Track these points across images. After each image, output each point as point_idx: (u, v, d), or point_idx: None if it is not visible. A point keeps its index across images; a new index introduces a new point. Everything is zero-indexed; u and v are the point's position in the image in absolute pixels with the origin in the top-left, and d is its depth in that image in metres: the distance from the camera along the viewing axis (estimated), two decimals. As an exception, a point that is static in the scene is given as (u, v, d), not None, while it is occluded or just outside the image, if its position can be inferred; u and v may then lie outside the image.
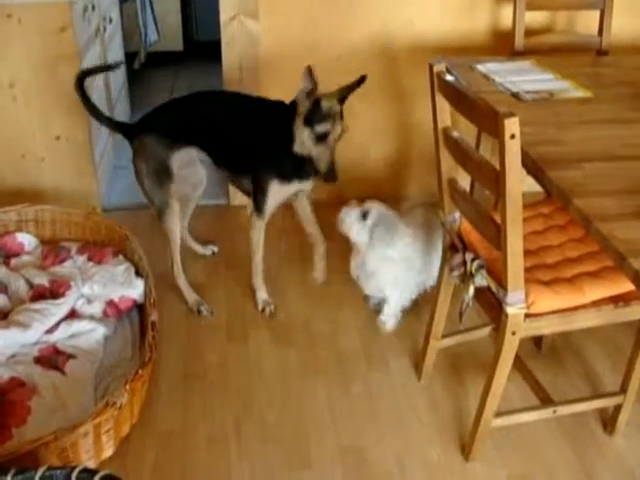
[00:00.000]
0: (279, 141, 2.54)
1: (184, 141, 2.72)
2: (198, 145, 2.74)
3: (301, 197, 2.79)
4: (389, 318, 2.76)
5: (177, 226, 2.79)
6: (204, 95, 2.82)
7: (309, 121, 2.44)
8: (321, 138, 2.44)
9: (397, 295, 2.72)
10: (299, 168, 2.57)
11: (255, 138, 2.63)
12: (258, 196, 2.64)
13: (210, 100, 2.79)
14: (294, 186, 2.64)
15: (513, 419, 2.20)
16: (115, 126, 2.93)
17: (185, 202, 2.98)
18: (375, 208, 2.61)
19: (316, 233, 2.87)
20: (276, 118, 2.57)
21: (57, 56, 3.08)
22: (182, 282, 2.89)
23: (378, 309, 2.82)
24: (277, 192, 2.62)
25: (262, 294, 2.86)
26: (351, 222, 2.60)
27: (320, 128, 2.43)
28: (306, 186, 2.68)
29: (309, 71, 2.41)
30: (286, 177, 2.60)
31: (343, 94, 2.49)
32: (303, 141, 2.47)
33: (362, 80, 2.48)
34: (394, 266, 2.67)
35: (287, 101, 2.58)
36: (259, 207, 2.66)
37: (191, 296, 2.88)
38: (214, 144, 2.74)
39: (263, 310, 2.83)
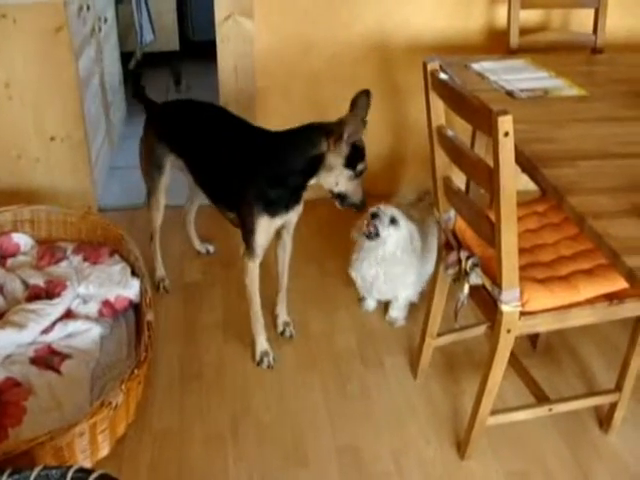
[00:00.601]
0: (266, 171, 2.37)
1: (175, 150, 2.70)
2: (184, 160, 2.69)
3: (288, 229, 2.60)
4: (400, 314, 2.79)
5: (157, 218, 2.86)
6: (202, 110, 2.70)
7: (351, 164, 2.30)
8: (358, 175, 2.34)
9: (410, 293, 2.75)
10: (285, 197, 2.41)
11: (239, 168, 2.43)
12: (246, 233, 2.45)
13: (204, 118, 2.66)
14: (283, 217, 2.45)
15: (509, 417, 2.20)
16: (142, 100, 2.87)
17: (191, 196, 3.00)
18: (400, 214, 2.60)
19: (285, 275, 2.74)
20: (262, 145, 2.42)
21: (52, 56, 3.08)
22: (157, 258, 2.97)
23: (371, 310, 2.85)
24: (266, 226, 2.42)
25: (262, 344, 2.62)
26: (388, 233, 2.57)
27: (361, 167, 2.32)
28: (295, 214, 2.50)
29: (354, 116, 2.27)
30: (274, 209, 2.40)
31: (364, 119, 2.31)
32: (338, 182, 2.33)
33: (369, 94, 2.31)
34: (416, 267, 2.69)
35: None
36: (249, 246, 2.46)
37: (160, 272, 2.98)
38: (197, 165, 2.67)
39: (260, 362, 2.59)
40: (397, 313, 2.79)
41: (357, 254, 2.73)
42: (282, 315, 2.77)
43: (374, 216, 2.57)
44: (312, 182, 2.37)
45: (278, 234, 2.58)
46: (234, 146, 2.48)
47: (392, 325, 2.80)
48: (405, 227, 2.61)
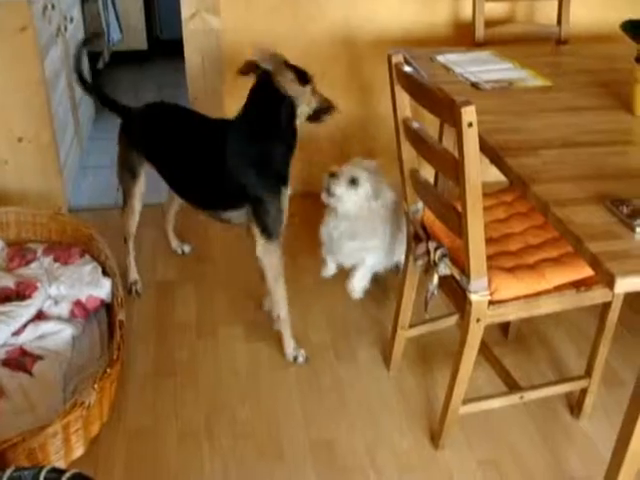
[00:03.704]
0: (263, 144, 2.39)
1: (150, 160, 2.68)
2: (160, 171, 2.67)
3: None
4: (359, 284, 2.80)
5: (132, 223, 2.86)
6: (171, 115, 2.67)
7: (305, 79, 2.39)
8: (313, 90, 2.43)
9: (375, 260, 2.77)
10: (289, 156, 2.43)
11: (232, 161, 2.40)
12: (267, 219, 2.40)
13: (175, 125, 2.63)
14: (289, 188, 2.47)
15: (481, 406, 2.22)
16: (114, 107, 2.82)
17: (172, 195, 2.98)
18: (363, 173, 2.62)
19: None
20: (245, 127, 2.42)
21: (17, 56, 3.05)
22: (131, 261, 2.96)
23: (330, 275, 2.89)
24: (285, 199, 2.43)
25: (291, 343, 2.60)
26: (342, 192, 2.60)
27: (310, 76, 2.41)
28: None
29: (259, 50, 2.38)
30: (285, 176, 2.43)
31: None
32: (310, 101, 2.42)
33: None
34: (384, 233, 2.72)
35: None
36: (272, 230, 2.42)
37: (133, 275, 2.96)
38: (176, 176, 2.63)
39: (295, 359, 2.59)
40: (357, 283, 2.79)
41: (326, 214, 2.76)
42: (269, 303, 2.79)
43: (332, 175, 2.62)
44: (298, 122, 2.42)
45: None
46: (218, 143, 2.45)
47: (351, 294, 2.80)
48: (367, 187, 2.62)
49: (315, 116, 2.47)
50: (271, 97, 2.36)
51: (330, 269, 2.89)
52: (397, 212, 2.74)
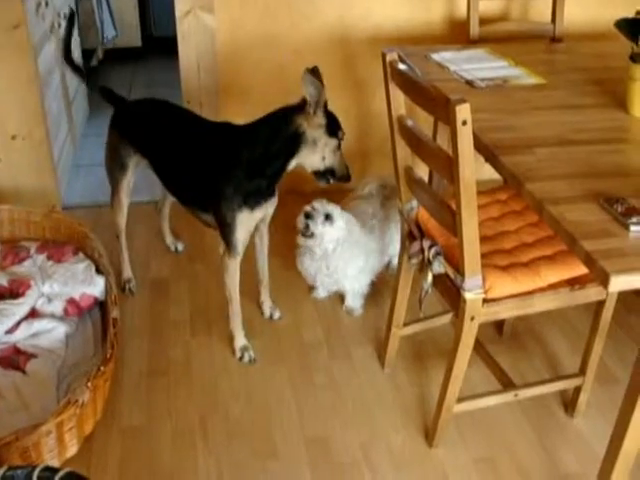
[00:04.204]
0: (238, 164, 2.34)
1: (140, 151, 2.68)
2: (150, 164, 2.67)
3: (265, 221, 2.58)
4: (355, 303, 2.81)
5: (121, 218, 2.84)
6: (164, 110, 2.67)
7: (333, 131, 2.30)
8: (339, 144, 2.34)
9: (356, 285, 2.77)
10: (263, 188, 2.38)
11: (210, 165, 2.41)
12: (226, 231, 2.41)
13: (166, 119, 2.63)
14: (262, 209, 2.43)
15: (475, 404, 2.22)
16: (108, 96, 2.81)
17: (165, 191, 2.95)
18: (335, 208, 2.63)
19: (265, 265, 2.75)
20: (229, 140, 2.40)
21: (11, 53, 3.04)
22: (124, 259, 2.95)
23: (322, 298, 2.90)
24: (246, 221, 2.40)
25: (240, 340, 2.60)
26: (320, 230, 2.60)
27: (342, 134, 2.33)
28: (272, 206, 2.49)
29: (314, 73, 2.24)
30: (253, 201, 2.38)
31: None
32: (325, 155, 2.33)
33: (316, 68, 2.30)
34: (358, 260, 2.71)
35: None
36: (229, 244, 2.42)
37: (126, 273, 2.95)
38: (165, 171, 2.64)
39: (241, 358, 2.58)
40: (352, 303, 2.82)
41: (298, 249, 2.76)
42: (267, 301, 2.80)
43: (307, 216, 2.60)
44: (291, 165, 2.36)
45: (255, 226, 2.54)
46: (204, 144, 2.46)
47: (351, 314, 2.82)
48: (342, 222, 2.63)
49: (322, 174, 2.38)
50: (287, 125, 2.30)
51: (320, 293, 2.91)
52: (384, 211, 2.78)
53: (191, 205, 2.59)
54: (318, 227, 2.60)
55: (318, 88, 2.22)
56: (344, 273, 2.71)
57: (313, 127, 2.29)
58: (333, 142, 2.32)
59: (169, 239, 3.20)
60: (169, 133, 2.59)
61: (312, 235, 2.61)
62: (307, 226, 2.60)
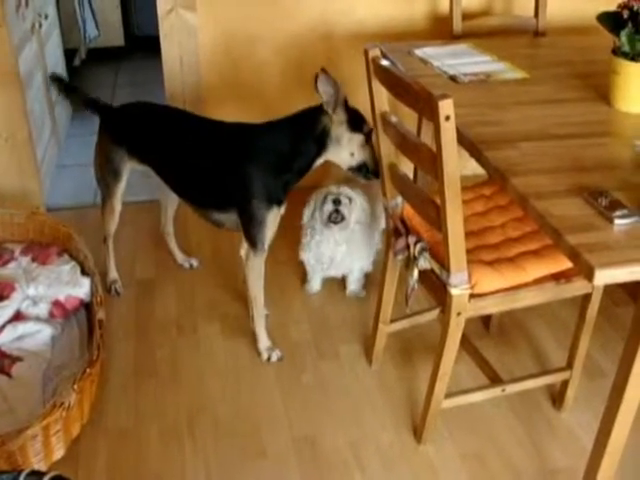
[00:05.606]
0: (271, 162, 2.37)
1: (139, 157, 2.64)
2: (153, 169, 2.64)
3: None
4: (358, 285, 2.88)
5: (112, 224, 2.81)
6: (165, 113, 2.68)
7: (357, 126, 2.33)
8: (368, 138, 2.34)
9: (365, 263, 2.84)
10: (289, 186, 2.42)
11: (235, 165, 2.40)
12: (254, 230, 2.41)
13: (168, 122, 2.62)
14: (285, 206, 2.45)
15: (463, 399, 2.22)
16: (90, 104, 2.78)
17: (164, 205, 2.95)
18: (351, 191, 2.67)
19: None
20: (253, 140, 2.42)
21: (-10, 54, 3.02)
22: (110, 260, 2.91)
23: (315, 292, 2.91)
24: (274, 218, 2.42)
25: (265, 341, 2.59)
26: (349, 214, 2.65)
27: (367, 128, 2.33)
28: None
29: (326, 75, 2.26)
30: (279, 199, 2.41)
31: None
32: (354, 151, 2.35)
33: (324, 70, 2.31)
34: (367, 239, 2.79)
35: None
36: (255, 242, 2.42)
37: (112, 274, 2.92)
38: (173, 174, 2.61)
39: (269, 358, 2.56)
40: (355, 285, 2.88)
41: (311, 237, 2.76)
42: None
43: (336, 202, 2.63)
44: (318, 163, 2.40)
45: None
46: (224, 145, 2.45)
47: (356, 296, 2.88)
48: (360, 202, 2.69)
49: (358, 170, 2.41)
50: (311, 124, 2.34)
51: (314, 286, 2.92)
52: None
53: (205, 206, 2.57)
54: (346, 211, 2.64)
55: (335, 86, 2.26)
56: (359, 253, 2.78)
57: (335, 125, 2.32)
58: (358, 137, 2.35)
59: (180, 257, 3.09)
60: (176, 136, 2.56)
61: (342, 219, 2.65)
62: (337, 211, 2.64)
